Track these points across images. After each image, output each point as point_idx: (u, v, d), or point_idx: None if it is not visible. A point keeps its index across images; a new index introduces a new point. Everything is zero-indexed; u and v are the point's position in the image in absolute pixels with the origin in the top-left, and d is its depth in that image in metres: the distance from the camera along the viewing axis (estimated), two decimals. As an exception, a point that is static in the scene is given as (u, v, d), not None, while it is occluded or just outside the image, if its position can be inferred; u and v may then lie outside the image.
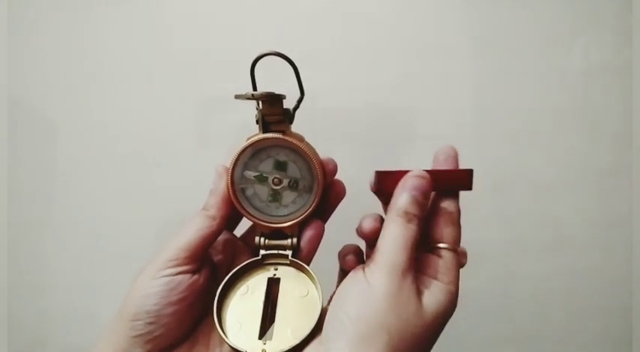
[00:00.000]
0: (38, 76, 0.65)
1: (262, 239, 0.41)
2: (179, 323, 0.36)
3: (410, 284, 0.33)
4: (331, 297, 0.37)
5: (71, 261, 0.67)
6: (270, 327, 0.38)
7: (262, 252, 0.41)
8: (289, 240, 0.41)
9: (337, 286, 0.38)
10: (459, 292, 0.36)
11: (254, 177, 0.41)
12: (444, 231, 0.37)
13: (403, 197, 0.36)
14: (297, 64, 0.38)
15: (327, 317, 0.34)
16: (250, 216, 0.41)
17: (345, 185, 0.44)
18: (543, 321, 0.66)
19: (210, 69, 0.63)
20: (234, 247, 0.43)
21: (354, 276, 0.35)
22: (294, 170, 0.41)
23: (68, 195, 0.66)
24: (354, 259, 0.39)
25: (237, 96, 0.38)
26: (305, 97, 0.40)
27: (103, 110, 0.65)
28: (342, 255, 0.40)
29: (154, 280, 0.36)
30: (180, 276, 0.36)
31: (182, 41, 0.64)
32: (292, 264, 0.41)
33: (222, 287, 0.39)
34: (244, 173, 0.41)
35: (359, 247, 0.41)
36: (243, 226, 0.45)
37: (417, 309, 0.33)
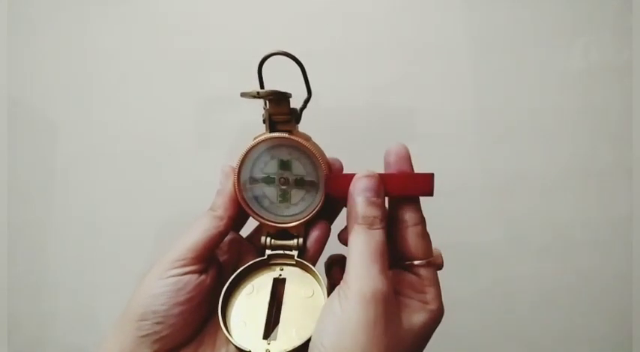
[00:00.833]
0: (38, 75, 0.65)
1: (268, 239, 0.41)
2: (186, 323, 0.36)
3: (386, 308, 0.31)
4: None
5: (71, 261, 0.67)
6: (274, 327, 0.37)
7: (268, 251, 0.41)
8: (295, 241, 0.41)
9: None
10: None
11: (261, 179, 0.41)
12: (414, 246, 0.35)
13: (357, 202, 0.35)
14: (299, 64, 0.38)
15: (309, 346, 0.33)
16: (257, 215, 0.41)
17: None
18: (543, 321, 0.67)
19: (210, 69, 0.63)
20: (240, 247, 0.43)
21: (330, 304, 0.33)
22: (298, 167, 0.41)
23: (68, 195, 0.66)
24: (338, 271, 0.38)
25: (242, 94, 0.38)
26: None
27: (103, 110, 0.65)
28: (326, 267, 0.40)
29: (161, 280, 0.36)
30: (187, 276, 0.36)
31: (182, 41, 0.64)
32: (298, 265, 0.41)
33: (228, 287, 0.38)
34: (250, 176, 0.41)
35: (344, 257, 0.39)
36: (249, 226, 0.45)
37: (396, 333, 0.32)
